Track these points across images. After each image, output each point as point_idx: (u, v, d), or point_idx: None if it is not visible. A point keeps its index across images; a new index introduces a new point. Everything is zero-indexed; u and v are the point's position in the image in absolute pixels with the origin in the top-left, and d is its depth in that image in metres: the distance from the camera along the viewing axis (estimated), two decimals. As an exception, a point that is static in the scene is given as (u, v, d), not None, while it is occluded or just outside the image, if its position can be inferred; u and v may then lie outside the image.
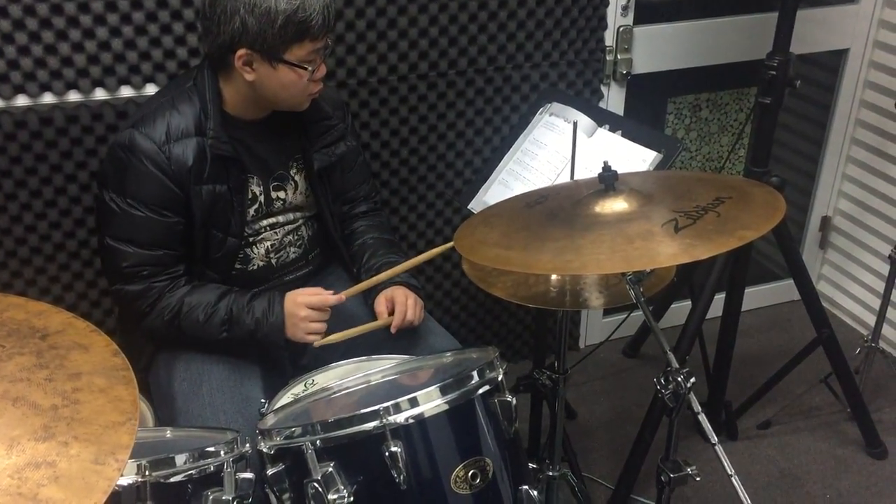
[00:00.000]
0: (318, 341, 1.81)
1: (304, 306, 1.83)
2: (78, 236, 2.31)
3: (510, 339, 3.01)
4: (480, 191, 2.32)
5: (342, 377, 1.70)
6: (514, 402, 1.32)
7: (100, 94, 2.18)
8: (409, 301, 1.94)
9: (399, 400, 1.24)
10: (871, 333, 2.65)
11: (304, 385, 1.82)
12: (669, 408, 1.39)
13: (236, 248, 1.90)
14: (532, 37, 2.53)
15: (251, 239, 1.94)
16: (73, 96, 2.17)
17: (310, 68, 1.76)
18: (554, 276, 1.78)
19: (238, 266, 1.95)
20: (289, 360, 2.04)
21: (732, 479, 1.33)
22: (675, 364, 1.36)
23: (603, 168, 1.36)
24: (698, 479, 1.47)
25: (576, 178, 2.11)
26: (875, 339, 2.63)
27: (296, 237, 2.02)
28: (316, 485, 1.21)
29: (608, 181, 1.35)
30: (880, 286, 3.01)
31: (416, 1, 2.36)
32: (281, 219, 1.98)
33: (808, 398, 2.80)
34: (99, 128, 2.20)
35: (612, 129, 2.17)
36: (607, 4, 2.58)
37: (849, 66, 2.95)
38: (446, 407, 1.27)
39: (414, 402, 1.26)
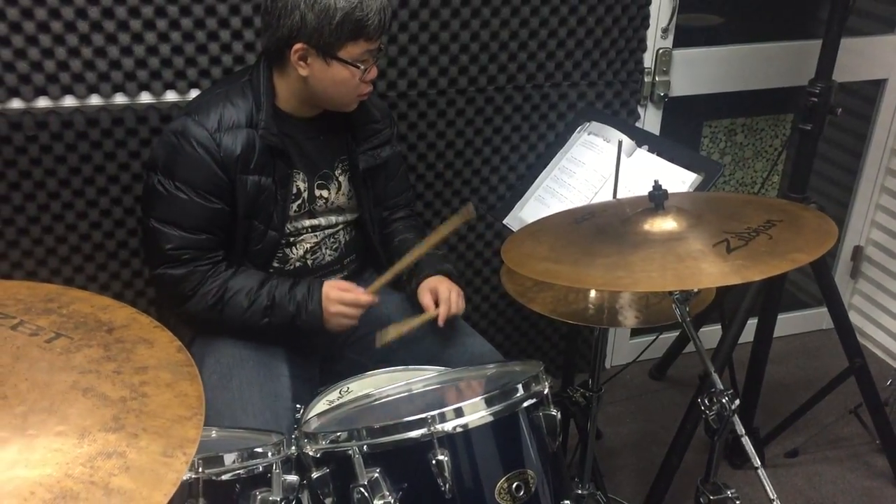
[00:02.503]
0: (378, 342, 1.83)
1: (336, 302, 1.87)
2: (117, 236, 2.33)
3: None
4: (516, 206, 2.33)
5: (378, 386, 1.71)
6: (559, 416, 1.32)
7: (145, 98, 2.22)
8: (452, 294, 1.96)
9: (446, 409, 1.24)
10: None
11: (339, 392, 1.83)
12: (713, 429, 1.38)
13: (276, 242, 1.93)
14: (571, 55, 2.54)
15: (292, 239, 1.98)
16: (119, 99, 2.20)
17: (362, 67, 1.80)
18: (593, 294, 1.78)
19: (276, 265, 1.99)
20: (319, 364, 2.06)
21: (774, 503, 1.32)
22: (720, 386, 1.36)
23: (653, 187, 1.37)
24: (738, 502, 1.46)
25: (617, 196, 2.12)
26: (907, 369, 2.60)
27: (332, 241, 2.05)
28: (362, 489, 1.21)
29: (658, 200, 1.35)
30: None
31: (458, 16, 2.38)
32: (322, 221, 2.01)
33: (836, 428, 2.78)
34: (143, 130, 2.23)
35: (652, 150, 2.17)
36: (647, 27, 2.59)
37: (886, 95, 2.94)
38: (491, 419, 1.27)
39: (460, 412, 1.26)
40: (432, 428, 1.22)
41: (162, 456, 0.83)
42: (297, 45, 1.77)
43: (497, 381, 1.47)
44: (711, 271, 1.18)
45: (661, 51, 2.64)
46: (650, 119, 2.73)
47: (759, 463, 1.33)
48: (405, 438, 1.24)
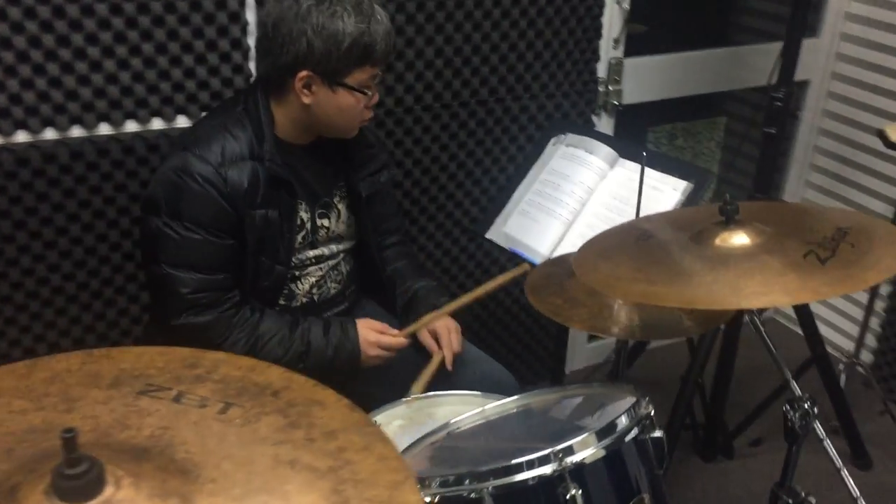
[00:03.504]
0: (413, 395, 1.80)
1: (376, 346, 1.85)
2: (102, 274, 2.21)
3: (530, 361, 3.01)
4: (498, 220, 2.32)
5: (403, 416, 1.71)
6: (664, 437, 1.33)
7: (131, 127, 2.10)
8: (451, 334, 1.95)
9: (572, 441, 1.22)
10: (853, 351, 2.78)
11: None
12: (795, 434, 1.42)
13: (283, 277, 1.86)
14: (531, 68, 2.56)
15: (297, 273, 1.91)
16: (104, 129, 2.08)
17: (368, 94, 1.76)
18: (617, 308, 1.78)
19: (282, 302, 1.91)
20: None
21: (858, 501, 1.36)
22: (798, 392, 1.40)
23: (724, 201, 1.39)
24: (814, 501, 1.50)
25: (601, 208, 2.15)
26: (857, 356, 2.76)
27: (336, 272, 1.99)
28: (496, 532, 1.17)
29: (730, 214, 1.37)
30: (851, 308, 3.19)
31: (422, 33, 2.35)
32: (325, 251, 1.94)
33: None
34: (130, 162, 2.11)
35: (635, 160, 2.21)
36: (600, 37, 2.64)
37: (809, 96, 3.12)
38: (604, 452, 1.26)
39: (580, 445, 1.24)
40: (563, 463, 1.19)
41: (398, 527, 0.77)
42: (302, 73, 1.71)
43: (589, 407, 1.45)
44: (817, 283, 1.21)
45: (613, 60, 2.70)
46: (603, 128, 2.78)
47: (841, 463, 1.37)
48: (537, 476, 1.20)
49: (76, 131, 2.04)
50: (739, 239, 1.37)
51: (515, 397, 1.51)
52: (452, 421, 1.47)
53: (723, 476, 2.72)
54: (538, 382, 2.98)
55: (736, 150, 2.97)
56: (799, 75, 2.97)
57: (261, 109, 1.78)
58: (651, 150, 2.21)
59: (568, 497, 1.19)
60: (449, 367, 1.91)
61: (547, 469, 1.20)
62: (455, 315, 1.99)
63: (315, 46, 1.67)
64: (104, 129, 2.06)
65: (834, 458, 1.42)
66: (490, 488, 1.20)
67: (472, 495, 1.20)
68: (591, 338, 3.13)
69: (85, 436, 0.75)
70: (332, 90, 1.73)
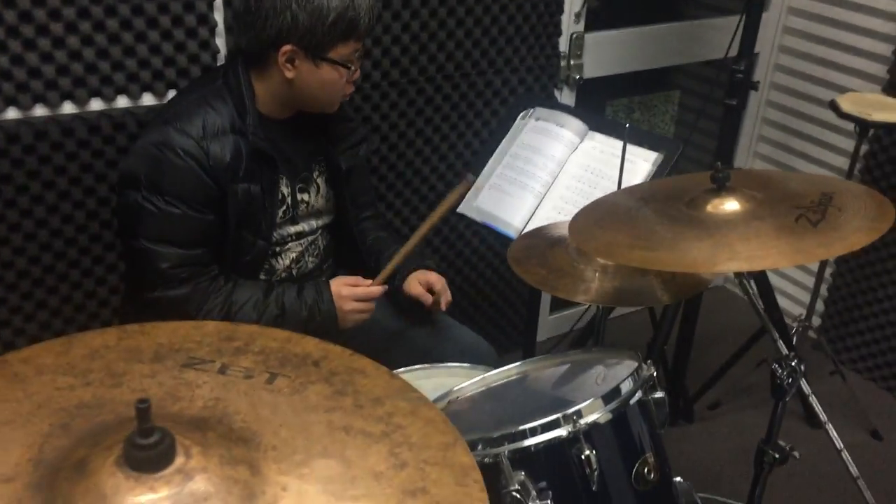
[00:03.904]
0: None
1: (350, 299, 1.84)
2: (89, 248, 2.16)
3: (504, 329, 3.06)
4: (469, 195, 2.33)
5: None
6: (666, 398, 1.37)
7: (122, 103, 2.07)
8: (442, 280, 1.99)
9: (580, 406, 1.25)
10: (803, 315, 2.89)
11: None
12: (783, 391, 1.48)
13: (265, 251, 1.86)
14: (495, 43, 2.58)
15: (277, 249, 1.90)
16: (95, 105, 2.05)
17: (352, 67, 1.76)
18: (597, 278, 1.82)
19: (263, 277, 1.91)
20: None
21: (842, 452, 1.43)
22: (786, 350, 1.45)
23: (715, 169, 1.43)
24: (797, 455, 1.57)
25: (573, 180, 2.18)
26: (809, 319, 2.87)
27: (314, 247, 1.99)
28: (515, 493, 1.20)
29: (721, 182, 1.42)
30: (798, 274, 3.31)
31: (389, 8, 2.35)
32: (305, 227, 1.95)
33: (745, 378, 3.01)
34: (120, 138, 2.09)
35: (603, 132, 2.25)
36: (562, 12, 2.67)
37: (758, 69, 3.21)
38: (610, 416, 1.30)
39: (584, 411, 1.27)
40: (577, 424, 1.23)
41: (458, 486, 0.79)
42: (286, 47, 1.70)
43: (591, 372, 1.48)
44: (812, 245, 1.26)
45: (574, 35, 2.73)
46: (565, 102, 2.82)
47: (825, 418, 1.44)
48: (552, 438, 1.23)
49: (39, 110, 1.99)
50: (731, 205, 1.42)
51: (515, 364, 1.54)
52: (455, 389, 1.49)
53: (684, 439, 2.80)
54: (512, 351, 3.03)
55: (691, 124, 3.03)
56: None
57: (242, 83, 1.76)
58: (616, 123, 2.25)
59: (583, 457, 1.22)
60: (444, 307, 1.95)
61: (562, 431, 1.23)
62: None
63: (300, 20, 1.67)
64: (68, 107, 2.02)
65: (819, 412, 1.49)
66: (506, 452, 1.22)
67: (487, 460, 1.23)
68: (553, 310, 3.18)
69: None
70: (315, 64, 1.73)
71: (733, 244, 1.29)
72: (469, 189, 1.96)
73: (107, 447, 0.71)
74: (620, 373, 1.37)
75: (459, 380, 1.85)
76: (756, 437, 2.75)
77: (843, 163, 3.07)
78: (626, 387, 1.31)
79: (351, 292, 1.84)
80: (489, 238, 2.78)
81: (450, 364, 1.85)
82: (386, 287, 1.89)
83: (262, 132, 1.77)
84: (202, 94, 1.75)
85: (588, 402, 1.25)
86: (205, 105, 1.73)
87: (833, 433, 1.53)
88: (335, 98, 1.82)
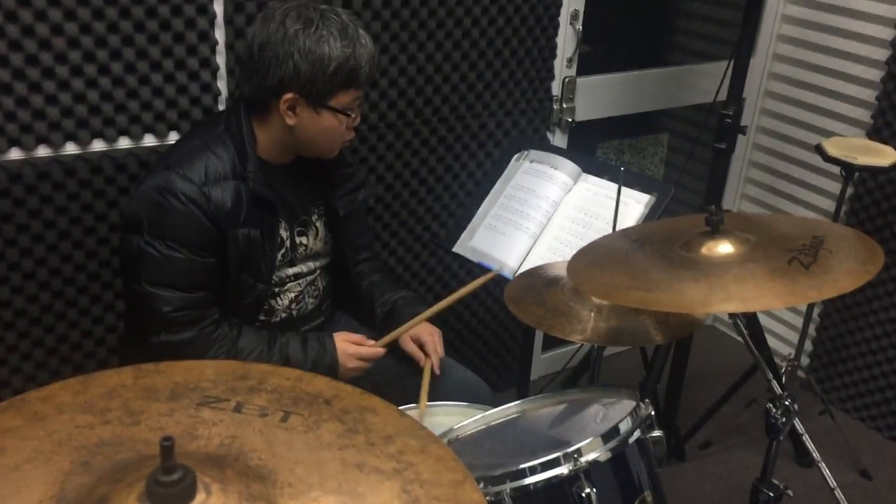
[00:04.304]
0: (421, 405, 1.83)
1: (354, 358, 1.88)
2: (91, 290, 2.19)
3: (497, 368, 3.08)
4: (464, 235, 2.38)
5: None
6: (664, 437, 1.39)
7: (124, 143, 2.11)
8: (435, 339, 2.01)
9: (580, 445, 1.27)
10: (791, 355, 2.92)
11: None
12: (777, 430, 1.51)
13: (264, 294, 1.88)
14: (490, 86, 2.63)
15: (276, 290, 1.92)
16: (97, 145, 2.09)
17: (352, 115, 1.79)
18: (592, 318, 1.85)
19: (262, 318, 1.93)
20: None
21: (835, 491, 1.46)
22: (779, 390, 1.49)
23: (710, 213, 1.47)
24: (791, 493, 1.59)
25: (567, 221, 2.22)
26: (798, 359, 2.91)
27: (313, 288, 2.02)
28: (517, 533, 1.22)
29: (715, 224, 1.46)
30: (786, 314, 3.35)
31: (387, 53, 2.40)
32: (304, 268, 1.97)
33: (736, 417, 3.04)
34: (122, 178, 2.12)
35: (597, 174, 2.30)
36: (555, 57, 2.73)
37: (744, 113, 3.26)
38: (610, 454, 1.32)
39: (584, 450, 1.29)
40: (578, 463, 1.25)
41: (468, 524, 0.81)
42: (288, 95, 1.74)
43: (590, 411, 1.51)
44: (804, 287, 1.29)
45: (566, 79, 2.79)
46: (557, 143, 2.87)
47: (819, 457, 1.46)
48: (553, 476, 1.25)
49: (42, 150, 2.02)
50: (725, 248, 1.46)
51: (514, 403, 1.56)
52: (455, 427, 1.51)
53: (676, 478, 2.82)
54: (505, 389, 3.04)
55: (679, 166, 3.09)
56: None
57: (243, 129, 1.80)
58: (608, 165, 2.30)
59: (583, 495, 1.25)
60: (437, 371, 1.96)
61: (563, 469, 1.26)
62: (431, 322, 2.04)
63: (301, 69, 1.71)
64: (71, 148, 2.05)
65: (812, 450, 1.51)
66: (508, 490, 1.24)
67: (490, 498, 1.25)
68: (545, 348, 3.21)
69: (156, 446, 0.77)
70: (316, 112, 1.77)
71: (728, 285, 1.33)
72: (492, 279, 2.00)
73: (128, 484, 0.73)
74: (619, 412, 1.40)
75: (456, 418, 1.88)
76: (747, 476, 2.78)
77: (829, 205, 3.13)
78: (624, 426, 1.34)
79: (356, 351, 1.89)
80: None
81: (446, 403, 1.87)
82: (386, 350, 1.94)
83: (263, 178, 1.80)
84: (204, 140, 1.79)
85: (588, 440, 1.28)
86: (207, 151, 1.76)
87: (826, 472, 1.55)
88: (335, 144, 1.86)
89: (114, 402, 0.88)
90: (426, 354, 1.97)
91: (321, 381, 0.96)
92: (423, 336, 1.98)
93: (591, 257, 1.53)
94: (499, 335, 3.03)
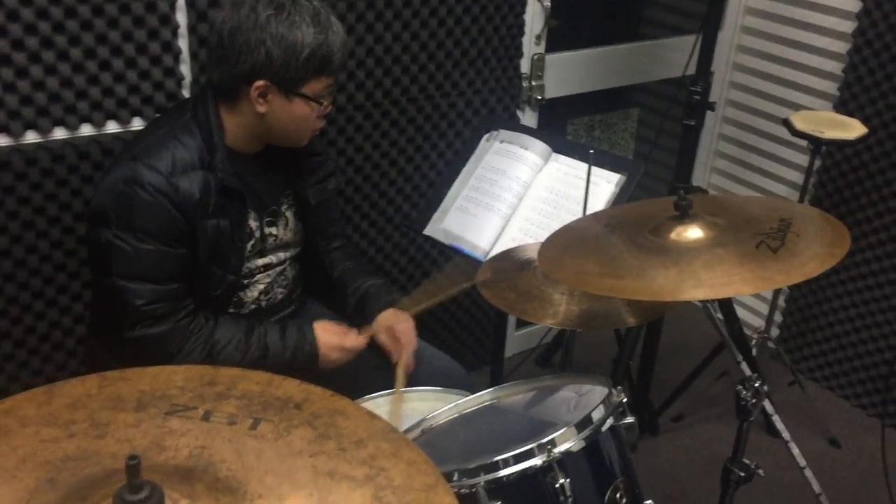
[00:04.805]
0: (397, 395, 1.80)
1: (338, 349, 1.85)
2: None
3: (472, 347, 3.08)
4: (436, 216, 2.36)
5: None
6: (636, 423, 1.40)
7: (86, 131, 2.06)
8: (410, 335, 1.98)
9: (554, 435, 1.27)
10: (762, 327, 2.95)
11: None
12: (748, 411, 1.52)
13: (234, 286, 1.86)
14: (458, 65, 2.61)
15: (245, 282, 1.90)
16: (59, 133, 2.03)
17: (324, 103, 1.76)
18: (564, 301, 1.84)
19: (231, 310, 1.91)
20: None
21: (805, 470, 1.48)
22: (749, 372, 1.50)
23: (678, 197, 1.47)
24: (762, 472, 1.61)
25: (538, 202, 2.22)
26: (768, 330, 2.94)
27: (283, 278, 2.00)
28: (492, 525, 1.22)
29: (684, 209, 1.46)
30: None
31: (353, 33, 2.37)
32: (273, 259, 1.95)
33: (708, 389, 3.06)
34: (85, 167, 2.07)
35: (567, 154, 2.29)
36: (523, 34, 2.71)
37: (713, 86, 3.26)
38: (584, 443, 1.32)
39: (558, 440, 1.30)
40: (552, 454, 1.25)
41: (441, 528, 0.81)
42: (259, 82, 1.71)
43: (563, 398, 1.51)
44: (773, 272, 1.30)
45: (535, 56, 2.77)
46: (527, 122, 2.86)
47: (788, 436, 1.48)
48: (527, 468, 1.26)
49: (2, 140, 1.97)
50: (694, 232, 1.46)
51: (487, 391, 1.56)
52: (428, 416, 1.51)
53: (650, 452, 2.85)
54: (480, 367, 3.05)
55: (650, 141, 3.10)
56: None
57: (211, 117, 1.76)
58: (578, 145, 2.29)
59: (557, 486, 1.25)
60: (410, 367, 1.94)
61: (537, 461, 1.26)
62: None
63: (274, 56, 1.67)
64: (31, 137, 2.00)
65: (782, 430, 1.53)
66: (483, 483, 1.24)
67: (464, 491, 1.25)
68: (519, 326, 3.21)
69: (123, 460, 0.75)
70: (287, 99, 1.73)
71: (698, 272, 1.33)
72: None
73: (95, 503, 0.72)
74: (592, 399, 1.40)
75: (431, 404, 1.88)
76: (720, 447, 2.83)
77: (797, 177, 3.15)
78: (597, 414, 1.34)
79: (339, 343, 1.86)
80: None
81: (422, 388, 1.87)
82: (365, 342, 1.92)
83: (231, 167, 1.77)
84: (171, 129, 1.75)
85: (561, 430, 1.28)
86: (173, 140, 1.73)
87: (795, 450, 1.58)
88: (306, 133, 1.84)
89: (79, 413, 0.86)
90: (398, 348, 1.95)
91: (291, 385, 0.95)
92: (398, 330, 1.96)
93: (562, 243, 1.53)
94: (472, 313, 3.03)
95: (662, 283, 1.32)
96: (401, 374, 1.89)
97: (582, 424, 1.31)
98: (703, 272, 1.33)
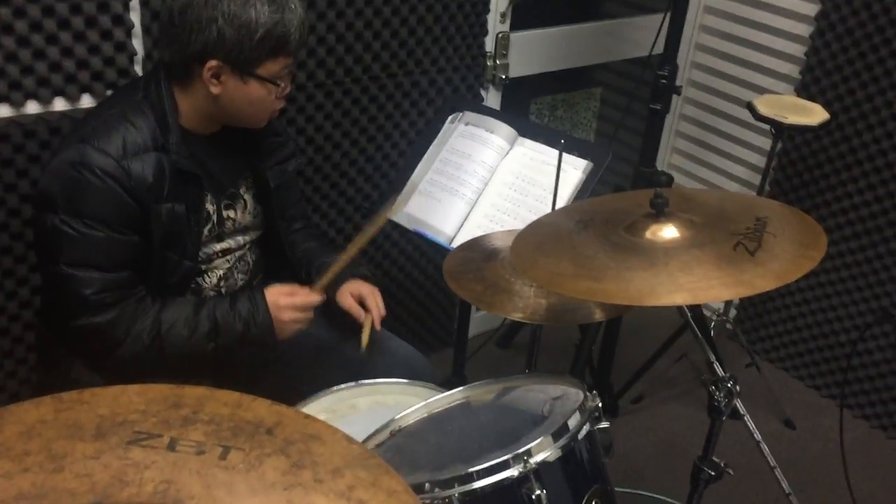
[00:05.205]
0: (363, 345, 1.78)
1: (289, 308, 1.78)
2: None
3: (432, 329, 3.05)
4: (398, 201, 2.30)
5: (328, 409, 1.71)
6: (609, 427, 1.38)
7: (32, 108, 1.95)
8: (376, 297, 1.94)
9: (530, 445, 1.24)
10: (721, 309, 2.97)
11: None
12: (720, 411, 1.51)
13: (191, 272, 1.79)
14: (421, 43, 2.54)
15: (203, 267, 1.84)
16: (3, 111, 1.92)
17: (281, 85, 1.69)
18: (530, 295, 1.81)
19: (189, 297, 1.82)
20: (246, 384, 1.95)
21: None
22: (722, 372, 1.48)
23: (654, 194, 1.43)
24: (731, 472, 1.60)
25: (504, 187, 2.17)
26: (726, 312, 2.95)
27: (242, 263, 1.93)
28: (466, 537, 1.19)
29: (660, 207, 1.43)
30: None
31: (314, 8, 2.28)
32: (232, 243, 1.89)
33: (667, 370, 3.08)
34: (32, 146, 1.97)
35: (533, 137, 2.25)
36: (488, 11, 2.65)
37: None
38: (560, 453, 1.29)
39: (534, 450, 1.26)
40: (527, 465, 1.22)
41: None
42: (211, 63, 1.63)
43: (534, 399, 1.48)
44: (752, 276, 1.27)
45: (500, 34, 2.71)
46: (491, 101, 2.80)
47: (760, 437, 1.47)
48: (503, 479, 1.22)
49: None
50: (669, 232, 1.42)
51: (458, 390, 1.52)
52: (396, 418, 1.47)
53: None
54: (440, 350, 3.02)
55: (613, 120, 3.07)
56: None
57: (164, 98, 1.68)
58: (545, 129, 2.25)
59: (533, 497, 1.22)
60: (378, 327, 1.90)
61: (513, 472, 1.23)
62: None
63: (226, 35, 1.59)
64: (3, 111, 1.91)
65: (753, 431, 1.53)
66: (457, 494, 1.21)
67: (438, 502, 1.21)
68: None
69: (83, 497, 0.70)
70: (242, 81, 1.66)
71: (675, 275, 1.30)
72: (399, 196, 1.92)
73: (53, 550, 0.67)
74: (566, 404, 1.37)
75: (396, 397, 1.84)
76: (678, 428, 2.84)
77: (757, 160, 3.15)
78: (573, 421, 1.31)
79: (289, 301, 1.77)
80: (422, 244, 2.75)
81: (386, 380, 1.83)
82: (323, 297, 1.83)
83: (186, 149, 1.69)
84: (122, 109, 1.66)
85: (537, 440, 1.24)
86: (124, 121, 1.64)
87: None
88: (264, 115, 1.76)
89: (33, 443, 0.80)
90: (366, 310, 1.90)
91: (262, 406, 0.90)
92: (361, 291, 1.91)
93: (534, 240, 1.49)
94: (433, 295, 3.00)
95: (640, 286, 1.29)
96: (366, 331, 1.86)
97: (558, 433, 1.28)
98: (680, 275, 1.30)
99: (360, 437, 1.52)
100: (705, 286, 1.26)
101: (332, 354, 2.00)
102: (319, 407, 1.78)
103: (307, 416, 0.90)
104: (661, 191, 1.42)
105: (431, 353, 3.06)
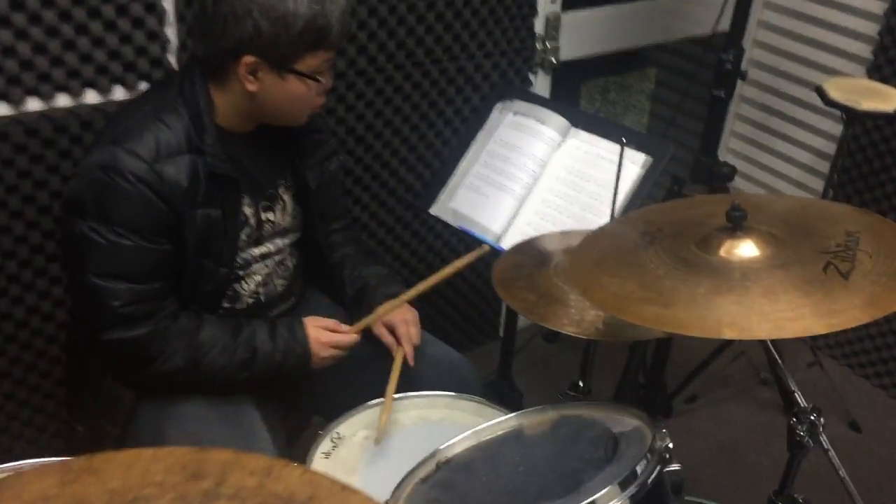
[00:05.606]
0: (377, 439, 1.61)
1: (328, 346, 1.70)
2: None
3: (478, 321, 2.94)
4: (443, 195, 2.19)
5: (368, 425, 1.62)
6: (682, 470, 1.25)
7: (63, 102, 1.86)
8: (409, 327, 1.81)
9: (596, 497, 1.12)
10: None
11: (331, 440, 1.64)
12: (802, 447, 1.37)
13: (227, 279, 1.70)
14: (468, 26, 2.41)
15: (241, 273, 1.73)
16: (2, 109, 1.83)
17: (322, 80, 1.59)
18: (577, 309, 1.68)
19: (226, 305, 1.75)
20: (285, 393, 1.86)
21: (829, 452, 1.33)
22: (803, 403, 1.34)
23: (731, 206, 1.29)
24: (807, 506, 1.47)
25: (555, 182, 2.04)
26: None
27: (282, 268, 1.84)
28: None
29: (738, 221, 1.28)
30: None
31: (355, -8, 2.16)
32: (271, 247, 1.79)
33: (723, 369, 2.93)
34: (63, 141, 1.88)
35: (587, 129, 2.10)
36: (537, -9, 2.50)
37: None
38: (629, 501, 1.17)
39: (607, 498, 1.14)
40: (591, 511, 1.10)
41: None
42: (247, 58, 1.52)
43: (594, 433, 1.35)
44: (848, 305, 1.12)
45: (550, 15, 2.56)
46: (540, 86, 2.67)
47: (828, 445, 1.33)
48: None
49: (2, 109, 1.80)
50: (748, 249, 1.28)
51: (510, 416, 1.40)
52: (442, 448, 1.35)
53: (663, 436, 2.72)
54: (486, 343, 2.92)
55: (669, 102, 2.91)
56: (726, 25, 2.92)
57: (199, 95, 1.57)
58: (599, 119, 2.11)
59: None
60: (410, 361, 1.77)
61: (574, 520, 1.11)
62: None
63: (262, 29, 1.48)
64: (2, 109, 1.82)
65: (837, 466, 1.39)
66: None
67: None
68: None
69: None
70: (280, 77, 1.55)
71: (757, 302, 1.16)
72: (481, 256, 1.81)
73: None
74: (632, 444, 1.24)
75: (441, 411, 1.73)
76: (734, 430, 2.70)
77: (822, 144, 2.98)
78: (642, 468, 1.18)
79: (330, 339, 1.70)
80: (466, 236, 2.64)
81: (430, 393, 1.72)
82: (359, 337, 1.75)
83: (223, 149, 1.59)
84: (154, 108, 1.56)
85: (604, 490, 1.12)
86: (157, 121, 1.54)
87: (836, 461, 1.44)
88: (303, 112, 1.66)
89: (37, 525, 0.70)
90: (398, 342, 1.78)
91: (293, 474, 0.79)
92: (395, 322, 1.79)
93: (594, 255, 1.35)
94: (477, 287, 2.87)
95: (719, 316, 1.15)
96: (396, 369, 1.72)
97: (626, 482, 1.15)
98: (764, 302, 1.16)
99: (402, 459, 1.43)
100: (793, 316, 1.12)
101: (370, 364, 1.89)
102: (359, 423, 1.68)
103: (345, 488, 0.79)
104: (738, 203, 1.27)
105: (476, 347, 2.94)
